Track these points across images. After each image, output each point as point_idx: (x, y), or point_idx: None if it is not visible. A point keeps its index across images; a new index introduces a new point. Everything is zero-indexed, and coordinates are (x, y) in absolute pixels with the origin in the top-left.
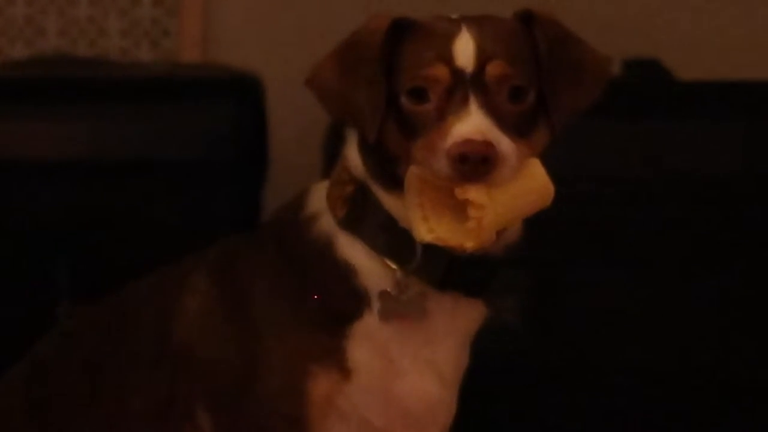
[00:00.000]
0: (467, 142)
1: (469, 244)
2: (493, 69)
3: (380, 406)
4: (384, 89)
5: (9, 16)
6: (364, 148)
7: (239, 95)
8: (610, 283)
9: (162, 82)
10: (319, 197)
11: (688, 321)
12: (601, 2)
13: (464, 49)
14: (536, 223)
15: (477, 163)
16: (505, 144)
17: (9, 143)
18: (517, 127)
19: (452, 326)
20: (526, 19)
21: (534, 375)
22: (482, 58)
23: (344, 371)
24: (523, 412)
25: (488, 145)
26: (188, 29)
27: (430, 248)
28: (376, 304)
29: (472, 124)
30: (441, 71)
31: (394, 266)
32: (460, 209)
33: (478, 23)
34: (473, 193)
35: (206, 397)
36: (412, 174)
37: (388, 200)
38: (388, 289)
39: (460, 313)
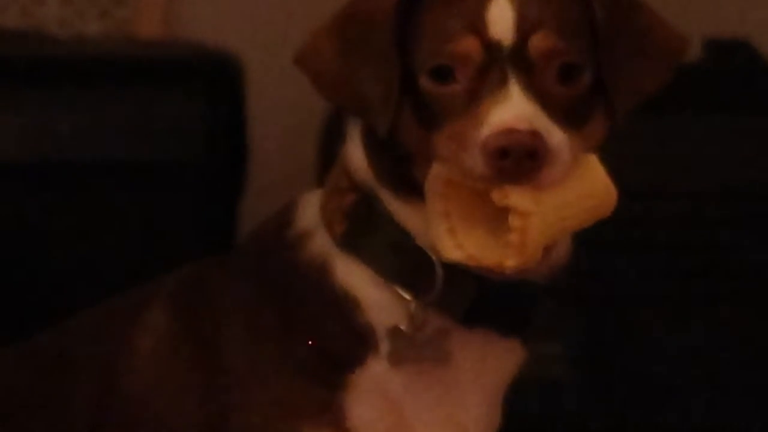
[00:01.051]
0: (509, 132)
1: (510, 263)
2: (538, 42)
3: None
4: (399, 68)
5: None
6: (371, 145)
7: (211, 80)
8: (686, 326)
9: (114, 63)
10: (311, 210)
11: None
12: None
13: (501, 17)
14: (593, 243)
15: (521, 159)
16: (556, 136)
17: None
18: (569, 116)
19: (481, 374)
20: None
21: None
22: (524, 29)
23: None
24: None
25: (535, 136)
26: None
27: (454, 272)
28: (384, 346)
29: (514, 109)
30: (472, 45)
31: (407, 296)
32: (497, 219)
33: None
34: (516, 197)
35: None
36: (436, 175)
37: (401, 211)
38: (401, 326)
39: (492, 357)
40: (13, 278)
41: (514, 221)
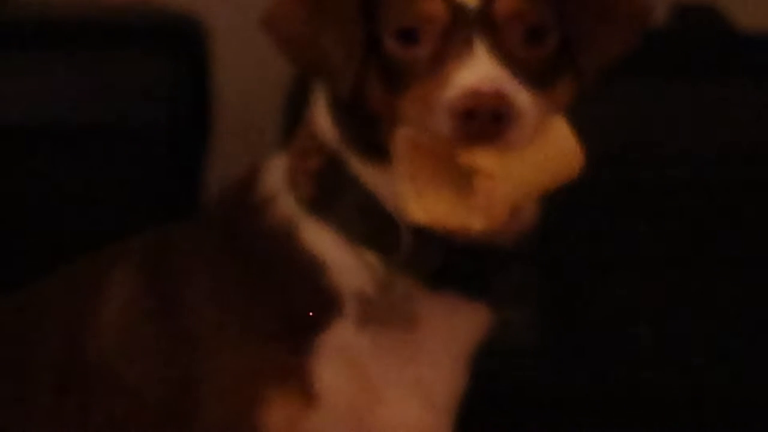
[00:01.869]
0: (474, 93)
1: (477, 225)
2: (503, 3)
3: None
4: (362, 29)
5: None
6: (337, 108)
7: (174, 43)
8: (653, 286)
9: (75, 25)
10: (277, 173)
11: (741, 335)
12: None
13: None
14: (559, 207)
15: (487, 120)
16: (522, 97)
17: None
18: (536, 78)
19: (447, 337)
20: None
21: (549, 405)
22: None
23: (308, 396)
24: None
25: (501, 97)
26: None
27: (421, 235)
28: (351, 309)
29: (479, 71)
30: (437, 6)
31: (374, 259)
32: (464, 180)
33: None
34: (482, 158)
35: (128, 429)
36: (402, 138)
37: (368, 174)
38: (367, 289)
39: (459, 319)
40: None
41: (479, 183)
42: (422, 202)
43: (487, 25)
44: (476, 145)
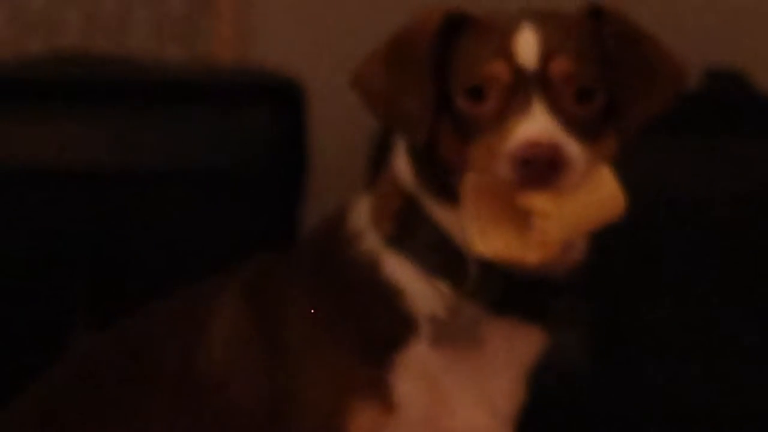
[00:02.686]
0: (532, 143)
1: (533, 258)
2: (558, 66)
3: None
4: (433, 89)
5: (25, 7)
6: (415, 156)
7: (278, 101)
8: (687, 319)
9: (193, 85)
10: (363, 212)
11: None
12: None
13: (526, 45)
14: (605, 246)
15: (542, 167)
16: (573, 148)
17: (20, 149)
18: (584, 131)
19: (509, 356)
20: (594, 14)
21: (595, 419)
22: (546, 55)
23: (389, 406)
24: None
25: (555, 147)
26: (223, 27)
27: (486, 268)
28: (425, 331)
29: (537, 124)
30: (501, 68)
31: (445, 288)
32: (522, 219)
33: (541, 18)
34: (538, 200)
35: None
36: (470, 182)
37: (441, 214)
38: (439, 313)
39: (518, 341)
40: (100, 278)
41: (536, 221)
42: (485, 239)
43: (543, 84)
44: (533, 189)
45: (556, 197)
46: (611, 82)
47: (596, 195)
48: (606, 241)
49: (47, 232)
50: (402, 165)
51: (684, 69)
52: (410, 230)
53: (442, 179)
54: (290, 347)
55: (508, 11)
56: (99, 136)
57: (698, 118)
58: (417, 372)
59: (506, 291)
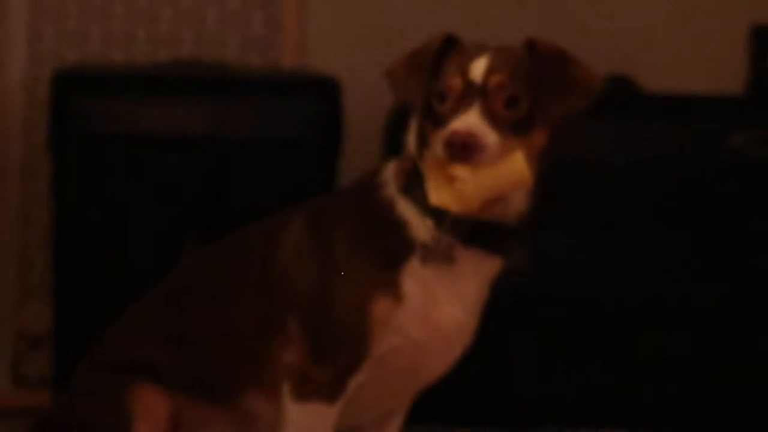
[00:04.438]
0: (455, 132)
1: (456, 209)
2: (494, 80)
3: (422, 325)
4: (425, 89)
5: (155, 30)
6: (417, 135)
7: (322, 93)
8: (588, 242)
9: (265, 81)
10: (389, 170)
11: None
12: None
13: (477, 67)
14: (540, 198)
15: (461, 149)
16: (489, 137)
17: (156, 123)
18: (513, 128)
19: (475, 272)
20: (530, 45)
21: (535, 308)
22: (488, 73)
23: (398, 298)
24: (527, 334)
25: (470, 136)
26: (288, 42)
27: (459, 214)
28: (419, 252)
29: (463, 120)
30: (457, 82)
31: (432, 224)
32: (451, 183)
33: (496, 50)
34: (459, 170)
35: (296, 312)
36: (430, 155)
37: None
38: (427, 241)
39: (482, 263)
40: (203, 214)
41: (456, 185)
42: (434, 193)
43: (483, 94)
44: (457, 163)
45: (472, 169)
46: (538, 93)
47: (506, 170)
48: (538, 195)
49: (167, 180)
50: (411, 141)
51: (598, 79)
52: (413, 184)
53: (424, 151)
54: (335, 255)
55: (482, 42)
56: (202, 114)
57: (599, 109)
58: (416, 278)
59: (472, 230)
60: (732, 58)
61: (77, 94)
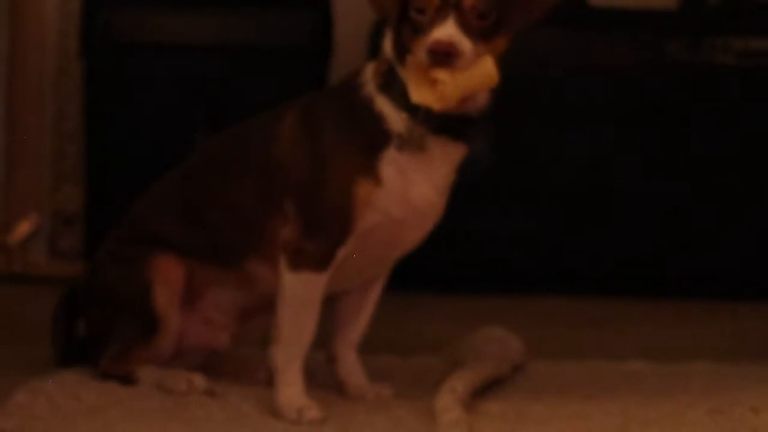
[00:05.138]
0: (437, 41)
1: (437, 106)
2: (468, 1)
3: (399, 203)
4: (399, 2)
5: None
6: (394, 40)
7: (314, 5)
8: (540, 136)
9: None
10: (369, 71)
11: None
12: None
13: None
14: (499, 95)
15: (442, 55)
16: (465, 45)
17: (170, 32)
18: (482, 35)
19: (444, 158)
20: None
21: (495, 189)
22: None
23: (378, 181)
24: (487, 211)
25: (451, 44)
26: None
27: (429, 108)
28: (396, 141)
29: (443, 30)
30: None
31: (406, 117)
32: (433, 84)
33: None
34: (439, 74)
35: (291, 194)
36: (412, 60)
37: (403, 75)
38: (403, 132)
39: (450, 149)
40: (212, 110)
41: (438, 85)
42: (416, 92)
43: (457, 8)
44: (438, 67)
45: (451, 73)
46: (503, 6)
47: (479, 73)
48: (498, 95)
49: (180, 82)
50: (388, 46)
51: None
52: (389, 83)
53: (404, 56)
54: (323, 145)
55: None
56: (211, 24)
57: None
58: (393, 164)
59: (441, 121)
60: None
61: (103, 8)
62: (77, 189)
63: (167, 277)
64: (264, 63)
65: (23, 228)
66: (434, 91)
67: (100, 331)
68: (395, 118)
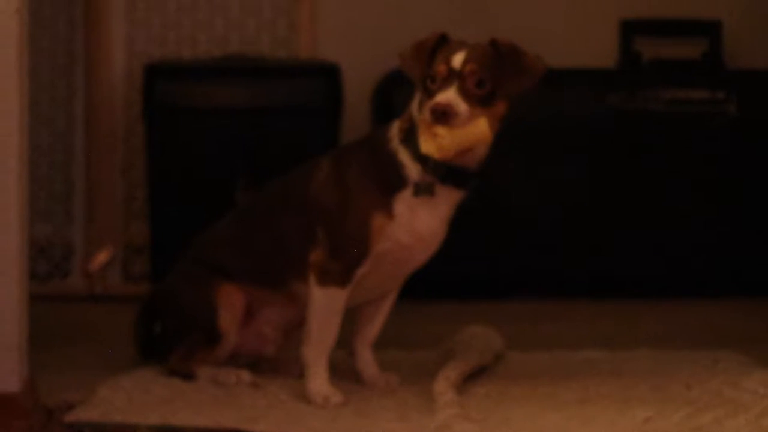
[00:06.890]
0: (437, 103)
1: (437, 156)
2: (468, 68)
3: (407, 233)
4: (424, 70)
5: (211, 35)
6: (419, 103)
7: (328, 75)
8: (516, 166)
9: (286, 67)
10: (394, 128)
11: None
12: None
13: (458, 58)
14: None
15: (440, 115)
16: (461, 107)
17: (214, 99)
18: (479, 101)
19: (447, 199)
20: (493, 43)
21: (478, 216)
22: (464, 63)
23: (390, 215)
24: (472, 235)
25: (448, 105)
26: (302, 39)
27: (439, 161)
28: (410, 185)
29: (444, 95)
30: (443, 68)
31: (421, 167)
32: (435, 138)
33: (471, 46)
34: (439, 130)
35: (322, 226)
36: (421, 118)
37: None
38: (417, 179)
39: (452, 194)
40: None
41: (437, 139)
42: (423, 144)
43: (460, 77)
44: (438, 124)
45: (449, 129)
46: (499, 76)
47: (473, 131)
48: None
49: (223, 144)
50: (414, 105)
51: (542, 65)
52: (409, 138)
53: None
54: (350, 185)
55: (463, 41)
56: (246, 92)
57: None
58: (404, 202)
59: (447, 172)
60: (606, 42)
61: (161, 80)
62: (144, 225)
63: (231, 303)
64: (287, 121)
65: (101, 257)
66: (435, 142)
67: (171, 336)
68: (412, 168)
